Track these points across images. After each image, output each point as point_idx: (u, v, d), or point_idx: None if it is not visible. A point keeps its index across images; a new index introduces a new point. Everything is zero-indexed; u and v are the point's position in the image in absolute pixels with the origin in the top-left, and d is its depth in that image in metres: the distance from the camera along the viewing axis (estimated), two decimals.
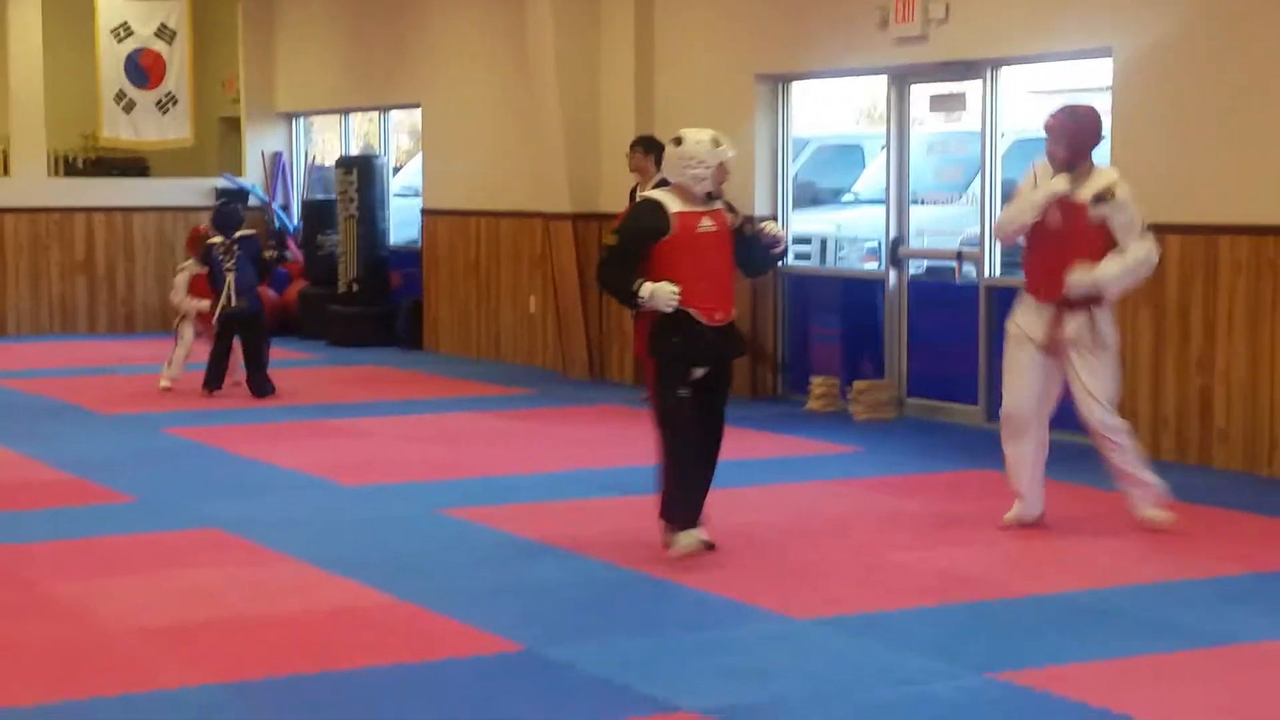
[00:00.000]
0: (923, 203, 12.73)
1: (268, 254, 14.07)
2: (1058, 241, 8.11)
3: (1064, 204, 8.09)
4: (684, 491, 7.58)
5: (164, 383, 13.77)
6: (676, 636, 6.51)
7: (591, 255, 14.53)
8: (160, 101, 19.01)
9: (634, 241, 7.60)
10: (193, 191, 19.39)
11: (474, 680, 5.99)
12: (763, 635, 6.54)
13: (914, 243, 12.62)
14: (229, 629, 6.59)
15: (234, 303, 13.18)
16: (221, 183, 19.46)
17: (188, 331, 13.85)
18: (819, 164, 17.36)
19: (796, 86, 13.34)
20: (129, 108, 18.87)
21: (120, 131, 18.97)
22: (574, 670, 6.03)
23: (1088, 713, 5.57)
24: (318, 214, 18.33)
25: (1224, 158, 10.20)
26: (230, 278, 13.19)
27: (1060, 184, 8.09)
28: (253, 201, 19.39)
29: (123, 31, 18.81)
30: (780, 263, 8.15)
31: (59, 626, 6.64)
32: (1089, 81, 11.95)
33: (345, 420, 12.23)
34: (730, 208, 7.79)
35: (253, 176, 19.68)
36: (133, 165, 20.24)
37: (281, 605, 6.95)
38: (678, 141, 7.60)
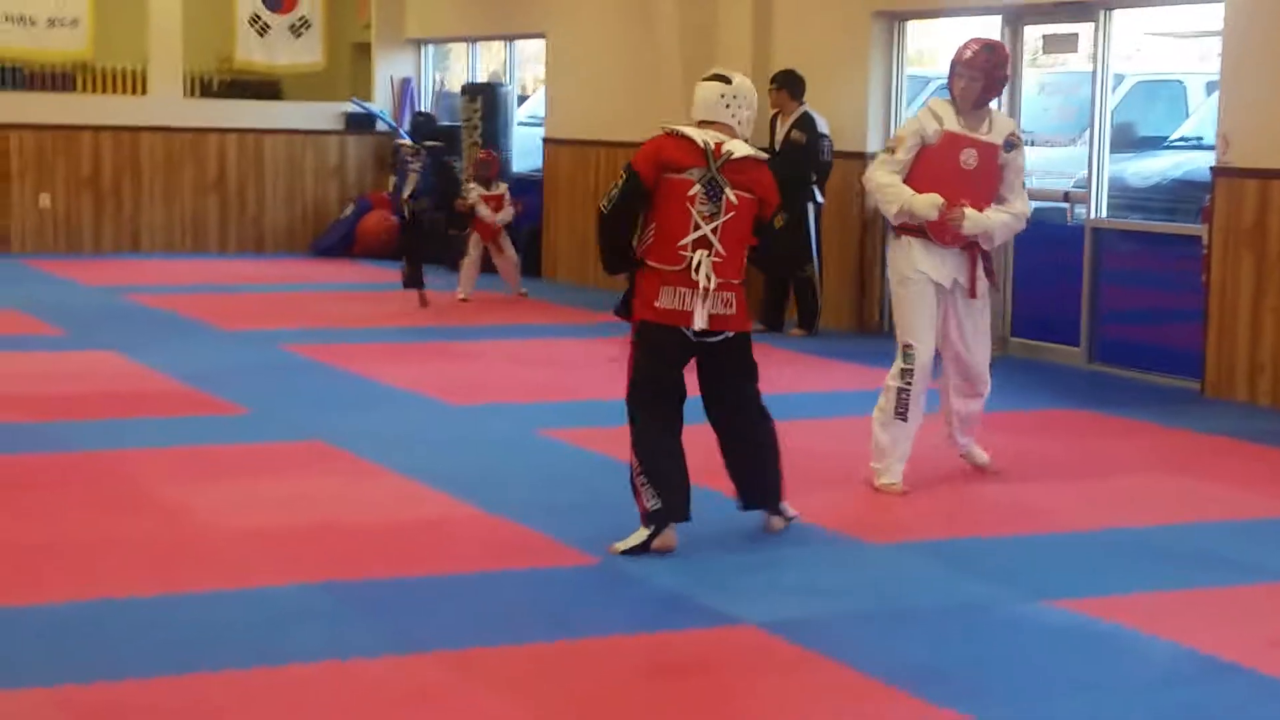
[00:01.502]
0: (1034, 144, 12.75)
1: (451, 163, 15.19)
2: (968, 183, 7.74)
3: (979, 144, 7.74)
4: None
5: (461, 295, 14.88)
6: (745, 555, 6.74)
7: None
8: (294, 26, 19.38)
9: (626, 204, 6.77)
10: (323, 115, 19.80)
11: (550, 589, 6.26)
12: (828, 557, 6.77)
13: (1025, 184, 12.65)
14: (322, 534, 6.90)
15: (414, 202, 14.02)
16: (351, 107, 19.84)
17: (474, 248, 14.96)
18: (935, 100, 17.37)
19: (913, 25, 13.40)
20: (263, 31, 19.25)
21: (254, 55, 19.36)
22: (645, 584, 6.28)
23: (1140, 640, 5.74)
24: (443, 140, 18.60)
25: None
26: (413, 178, 14.03)
27: (931, 209, 7.67)
28: (380, 127, 19.76)
29: None
30: None
31: (158, 525, 7.00)
32: (1201, 25, 11.91)
33: (458, 343, 12.53)
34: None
35: (381, 102, 20.03)
36: (265, 88, 20.65)
37: (375, 514, 7.25)
38: (726, 79, 6.87)
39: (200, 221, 19.14)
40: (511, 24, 18.24)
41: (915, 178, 7.76)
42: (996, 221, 7.82)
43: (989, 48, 7.86)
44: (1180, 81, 15.77)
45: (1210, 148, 12.05)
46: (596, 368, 11.50)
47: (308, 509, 7.33)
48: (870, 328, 13.39)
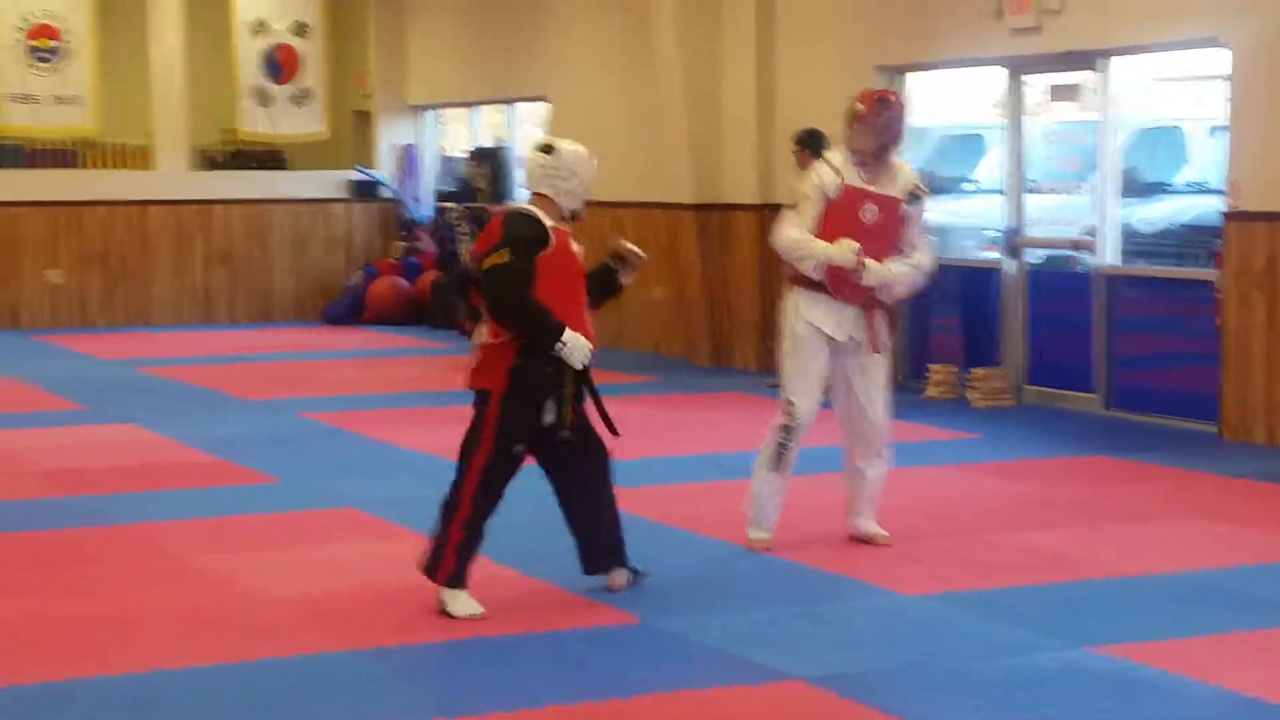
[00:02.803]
0: (1040, 192, 12.86)
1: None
2: (869, 237, 7.62)
3: (879, 199, 7.67)
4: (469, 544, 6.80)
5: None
6: (786, 609, 6.80)
7: (714, 245, 14.84)
8: (296, 96, 19.56)
9: (529, 255, 6.62)
10: (327, 184, 19.94)
11: (595, 648, 6.32)
12: (869, 609, 6.82)
13: (1032, 232, 12.78)
14: (365, 600, 6.96)
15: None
16: (355, 175, 19.98)
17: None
18: (941, 153, 17.50)
19: (914, 77, 13.54)
20: (266, 102, 19.43)
21: (258, 126, 19.53)
22: (686, 640, 6.34)
23: (1186, 685, 5.79)
24: (448, 204, 18.75)
25: None
26: (466, 241, 14.17)
27: (849, 254, 7.58)
28: (384, 193, 19.89)
29: (259, 28, 19.36)
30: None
31: (204, 595, 7.07)
32: (1206, 70, 12.04)
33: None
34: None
35: (384, 169, 20.16)
36: (270, 158, 20.79)
37: (414, 577, 7.26)
38: (548, 150, 6.81)
39: (209, 293, 19.24)
40: (513, 88, 18.39)
41: (818, 233, 7.65)
42: (897, 273, 7.75)
43: (882, 101, 7.77)
44: (1179, 127, 15.90)
45: (1214, 192, 12.17)
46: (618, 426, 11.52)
47: (349, 575, 7.39)
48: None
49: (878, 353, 7.82)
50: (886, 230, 7.70)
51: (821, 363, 7.75)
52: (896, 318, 7.94)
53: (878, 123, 7.66)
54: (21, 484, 9.60)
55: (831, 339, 7.74)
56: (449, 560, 6.74)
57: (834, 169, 7.71)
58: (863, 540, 7.92)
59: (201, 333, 18.32)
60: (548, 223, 6.71)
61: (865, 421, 7.88)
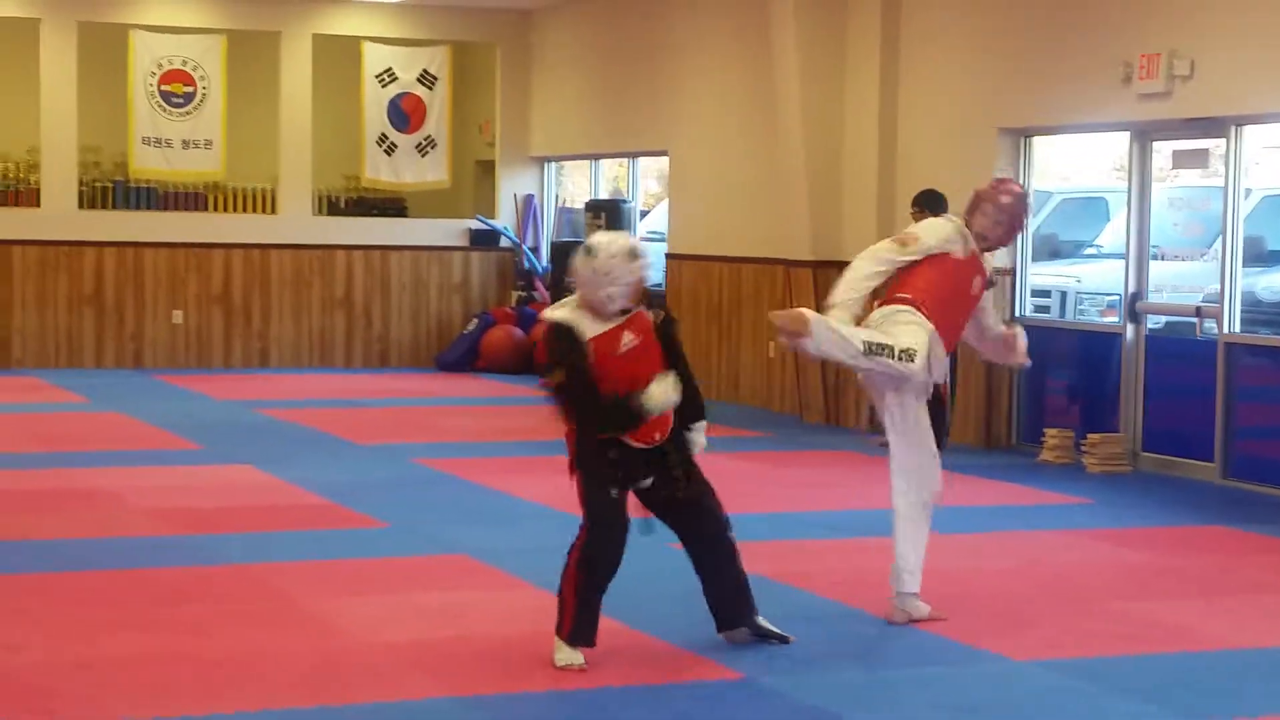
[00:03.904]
0: (1163, 258, 12.75)
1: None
2: (968, 310, 7.66)
3: (984, 275, 7.64)
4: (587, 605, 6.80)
5: None
6: (891, 671, 6.75)
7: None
8: (420, 145, 19.76)
9: (581, 363, 6.61)
10: (447, 232, 20.12)
11: (693, 704, 6.30)
12: (977, 674, 6.76)
13: (1154, 298, 12.66)
14: (473, 648, 6.98)
15: None
16: (475, 224, 20.15)
17: None
18: (1062, 216, 17.40)
19: (1039, 141, 13.47)
20: (390, 150, 19.65)
21: (381, 173, 19.76)
22: (788, 698, 6.31)
23: None
24: (566, 256, 18.81)
25: None
26: None
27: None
28: (504, 243, 20.04)
29: (387, 77, 19.60)
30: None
31: (312, 638, 7.12)
32: None
33: None
34: (649, 303, 6.81)
35: (505, 218, 20.32)
36: (391, 205, 21.02)
37: (520, 626, 7.32)
38: (589, 252, 6.65)
39: (327, 336, 19.45)
40: (635, 141, 18.49)
41: (918, 283, 7.47)
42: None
43: (1023, 198, 7.72)
44: None
45: None
46: (724, 482, 11.51)
47: (457, 621, 7.42)
48: (998, 442, 13.36)
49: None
50: (976, 303, 7.68)
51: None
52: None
53: (1011, 213, 7.61)
54: (137, 522, 9.75)
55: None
56: (566, 616, 6.77)
57: (963, 235, 7.59)
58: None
59: (318, 376, 18.51)
60: (588, 335, 6.61)
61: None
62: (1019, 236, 7.74)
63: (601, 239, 6.74)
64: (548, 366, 6.64)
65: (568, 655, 6.72)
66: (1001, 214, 7.60)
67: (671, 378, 6.66)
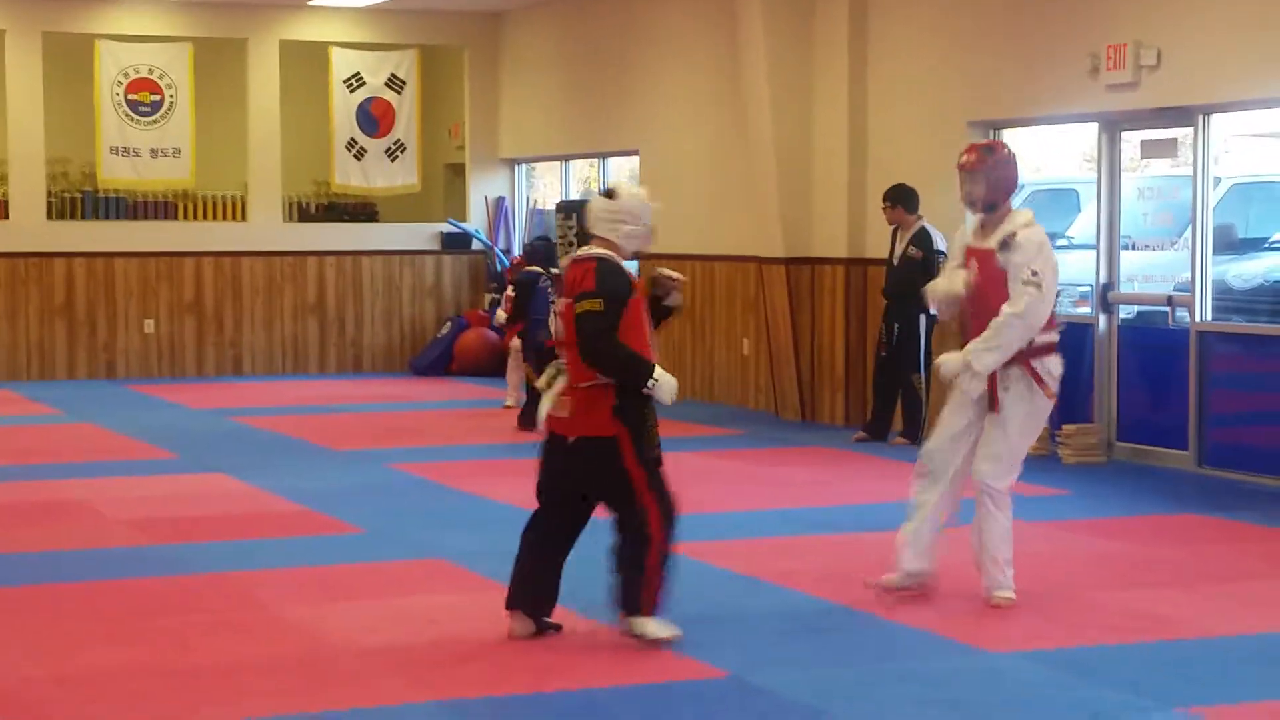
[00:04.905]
0: (1134, 248, 12.77)
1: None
2: (978, 291, 7.70)
3: (975, 253, 7.73)
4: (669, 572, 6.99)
5: (509, 401, 15.36)
6: (875, 666, 6.76)
7: (804, 299, 14.82)
8: (389, 149, 19.73)
9: (620, 306, 6.86)
10: (419, 236, 20.10)
11: (685, 703, 6.31)
12: (959, 667, 6.76)
13: (1125, 288, 12.69)
14: (453, 652, 6.96)
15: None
16: (446, 227, 20.12)
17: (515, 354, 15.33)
18: (1033, 208, 17.43)
19: (1008, 134, 13.49)
20: (360, 155, 19.62)
21: (351, 178, 19.72)
22: (775, 696, 6.31)
23: None
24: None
25: None
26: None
27: (958, 283, 7.76)
28: (475, 245, 20.01)
29: (355, 82, 19.57)
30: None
31: (292, 645, 7.10)
32: None
33: None
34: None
35: (476, 221, 20.30)
36: (362, 210, 20.98)
37: (500, 629, 7.29)
38: (610, 194, 7.05)
39: (300, 343, 19.41)
40: (605, 142, 18.48)
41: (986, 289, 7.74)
42: (971, 352, 7.63)
43: (988, 149, 7.86)
44: (1274, 182, 15.75)
45: None
46: (701, 481, 11.53)
47: (436, 625, 7.40)
48: None
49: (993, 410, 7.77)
50: (986, 283, 7.64)
51: (953, 403, 7.91)
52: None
53: (982, 170, 7.69)
54: (114, 532, 9.70)
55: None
56: (653, 592, 6.89)
57: (965, 228, 7.84)
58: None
59: (292, 382, 18.47)
60: (632, 275, 6.94)
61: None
62: (1010, 189, 7.76)
63: (621, 184, 7.15)
64: (589, 294, 6.80)
65: (666, 625, 6.87)
66: (973, 173, 7.71)
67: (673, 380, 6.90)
